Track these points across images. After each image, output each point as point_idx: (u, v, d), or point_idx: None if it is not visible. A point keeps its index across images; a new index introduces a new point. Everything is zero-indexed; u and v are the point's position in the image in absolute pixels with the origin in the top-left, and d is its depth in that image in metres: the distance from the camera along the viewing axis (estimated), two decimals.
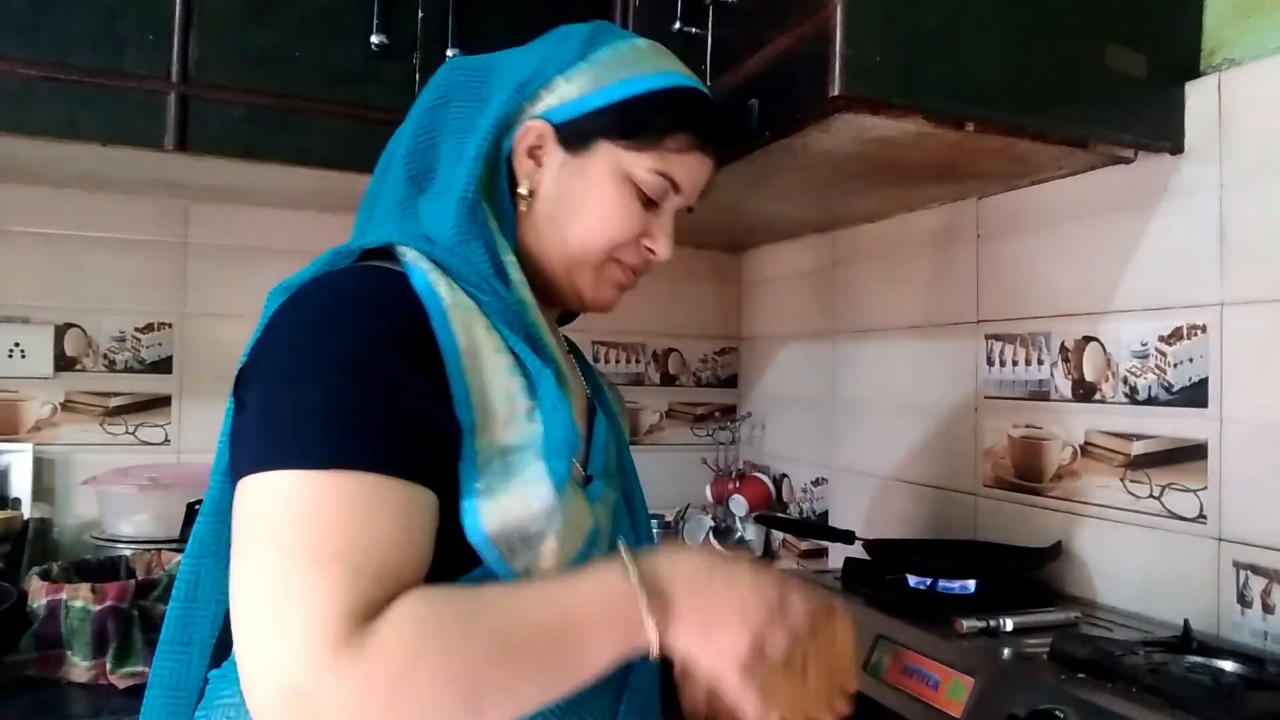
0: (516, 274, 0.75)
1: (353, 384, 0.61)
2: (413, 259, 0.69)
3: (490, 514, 0.64)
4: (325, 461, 0.59)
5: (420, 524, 0.62)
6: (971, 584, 1.13)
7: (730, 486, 1.90)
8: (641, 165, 0.79)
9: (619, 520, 0.80)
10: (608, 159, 0.79)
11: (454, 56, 1.35)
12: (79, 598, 1.19)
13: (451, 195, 0.74)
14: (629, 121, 0.78)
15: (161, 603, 1.18)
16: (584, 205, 0.79)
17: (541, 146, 0.79)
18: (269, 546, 0.57)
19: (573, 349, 0.95)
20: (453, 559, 0.64)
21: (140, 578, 1.30)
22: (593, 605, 0.62)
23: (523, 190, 0.79)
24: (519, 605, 0.61)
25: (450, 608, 0.59)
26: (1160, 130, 1.10)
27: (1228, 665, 0.87)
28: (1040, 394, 1.29)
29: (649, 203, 0.81)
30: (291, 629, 0.54)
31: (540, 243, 0.80)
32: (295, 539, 0.57)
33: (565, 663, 0.61)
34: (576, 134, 0.78)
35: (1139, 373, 1.14)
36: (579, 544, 0.69)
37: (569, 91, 0.79)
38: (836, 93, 0.94)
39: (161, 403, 1.69)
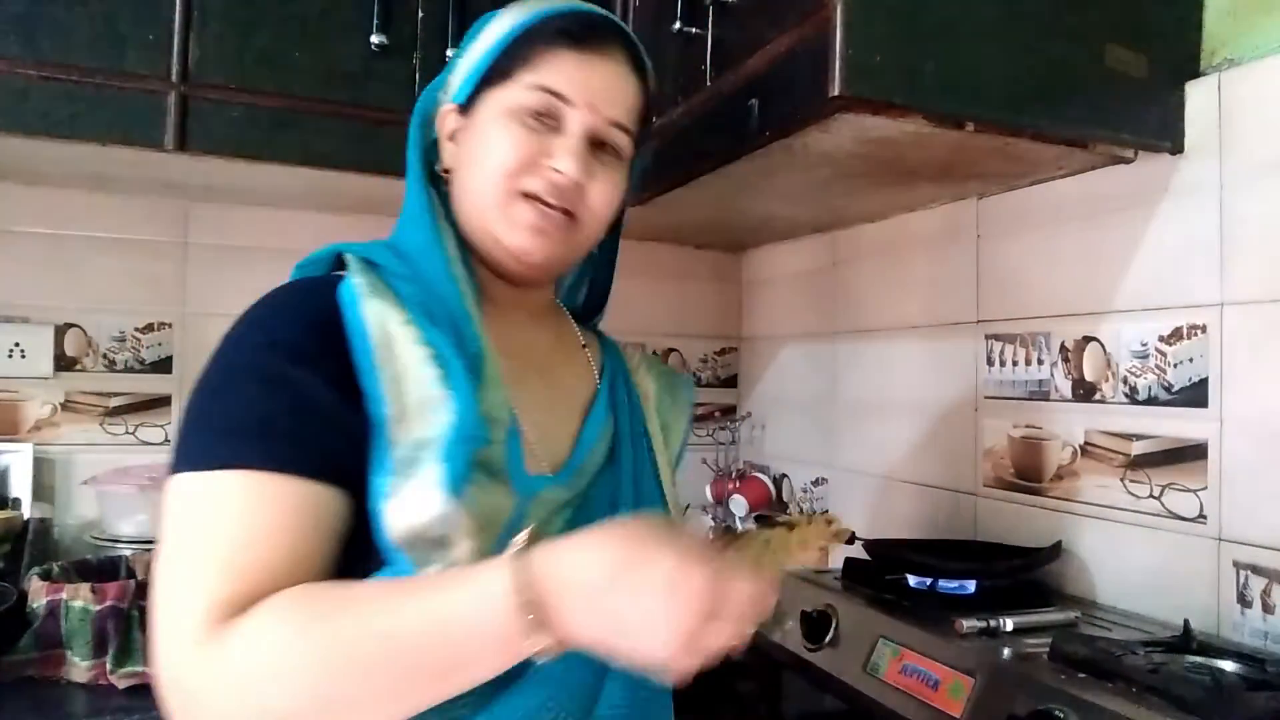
0: (456, 267, 0.76)
1: (248, 389, 0.65)
2: (353, 265, 0.72)
3: (394, 516, 0.64)
4: (214, 462, 0.63)
5: (309, 522, 0.63)
6: (971, 584, 1.13)
7: (730, 486, 1.90)
8: (517, 89, 0.77)
9: (585, 520, 0.73)
10: (490, 104, 0.78)
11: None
12: (79, 598, 1.19)
13: (406, 199, 0.80)
14: (499, 64, 0.78)
15: None
16: (477, 153, 0.78)
17: (453, 127, 0.81)
18: (166, 545, 0.63)
19: (607, 343, 0.95)
20: (370, 560, 0.64)
21: (140, 578, 1.30)
22: (467, 616, 0.58)
23: (442, 171, 0.82)
24: (387, 613, 0.58)
25: (313, 610, 0.58)
26: (1160, 130, 1.10)
27: (1228, 665, 0.87)
28: (1040, 394, 1.29)
29: (544, 126, 0.77)
30: (167, 623, 0.60)
31: (464, 212, 0.80)
32: (180, 537, 0.62)
33: (431, 675, 0.59)
34: (469, 101, 0.80)
35: (1139, 373, 1.14)
36: (491, 544, 0.66)
37: (463, 69, 0.81)
38: (836, 93, 0.94)
39: (161, 403, 1.69)
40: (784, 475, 1.93)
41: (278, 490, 0.62)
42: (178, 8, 1.30)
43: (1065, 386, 1.25)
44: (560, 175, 0.76)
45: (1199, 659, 0.89)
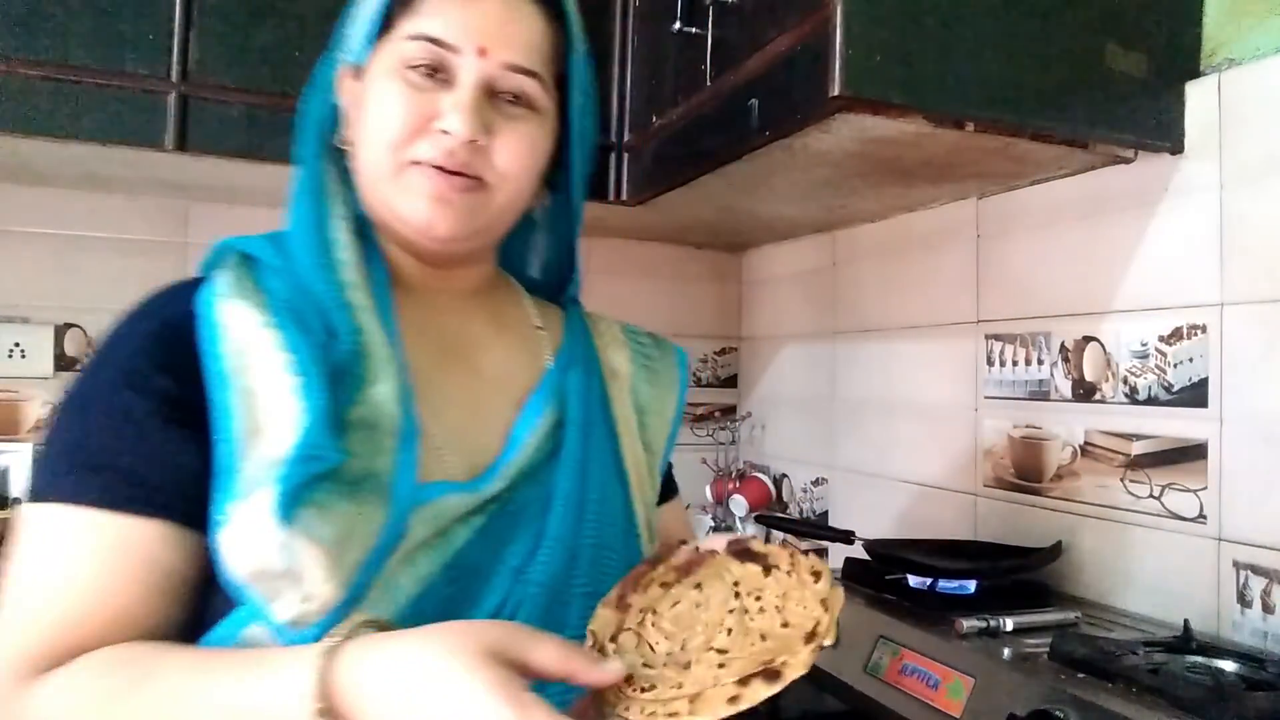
0: (341, 251, 0.68)
1: (73, 417, 0.61)
2: (226, 262, 0.67)
3: (228, 548, 0.57)
4: (39, 496, 0.59)
5: (133, 563, 0.57)
6: (971, 584, 1.13)
7: (730, 486, 1.90)
8: (400, 41, 0.68)
9: (504, 529, 0.66)
10: (377, 62, 0.69)
11: None
12: None
13: (291, 181, 0.72)
14: (383, 18, 0.70)
15: None
16: (365, 121, 0.69)
17: (351, 91, 0.72)
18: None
19: (573, 319, 0.83)
20: (223, 598, 0.58)
21: None
22: (263, 712, 0.52)
23: (344, 144, 0.72)
24: (187, 697, 0.53)
25: (113, 686, 0.54)
26: (1160, 130, 1.10)
27: (1228, 665, 0.87)
28: (1040, 394, 1.29)
29: (432, 82, 0.67)
30: None
31: (363, 189, 0.71)
32: (7, 575, 0.58)
33: None
34: (359, 62, 0.71)
35: (1139, 373, 1.14)
36: (355, 571, 0.58)
37: (353, 35, 0.72)
38: (836, 93, 0.94)
39: None
40: (784, 475, 1.93)
41: (98, 529, 0.57)
42: (177, 8, 1.30)
43: (1065, 386, 1.25)
44: (449, 137, 0.66)
45: (1199, 659, 0.89)
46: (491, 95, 0.68)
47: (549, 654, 0.50)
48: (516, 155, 0.69)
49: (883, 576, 1.20)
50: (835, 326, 1.77)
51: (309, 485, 0.58)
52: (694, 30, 1.24)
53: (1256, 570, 1.00)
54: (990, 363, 1.38)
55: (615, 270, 2.00)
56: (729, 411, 2.12)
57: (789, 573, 0.57)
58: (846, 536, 1.34)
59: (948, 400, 1.46)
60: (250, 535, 0.57)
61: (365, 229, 0.72)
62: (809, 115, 1.01)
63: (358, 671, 0.50)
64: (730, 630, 0.54)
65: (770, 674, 0.50)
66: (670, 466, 0.84)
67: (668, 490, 0.83)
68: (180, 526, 0.58)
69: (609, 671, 0.51)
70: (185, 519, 0.58)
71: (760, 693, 0.49)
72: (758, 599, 0.56)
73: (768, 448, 2.01)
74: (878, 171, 1.27)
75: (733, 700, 0.49)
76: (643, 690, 0.51)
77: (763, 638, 0.53)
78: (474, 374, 0.73)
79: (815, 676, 1.13)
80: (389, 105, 0.67)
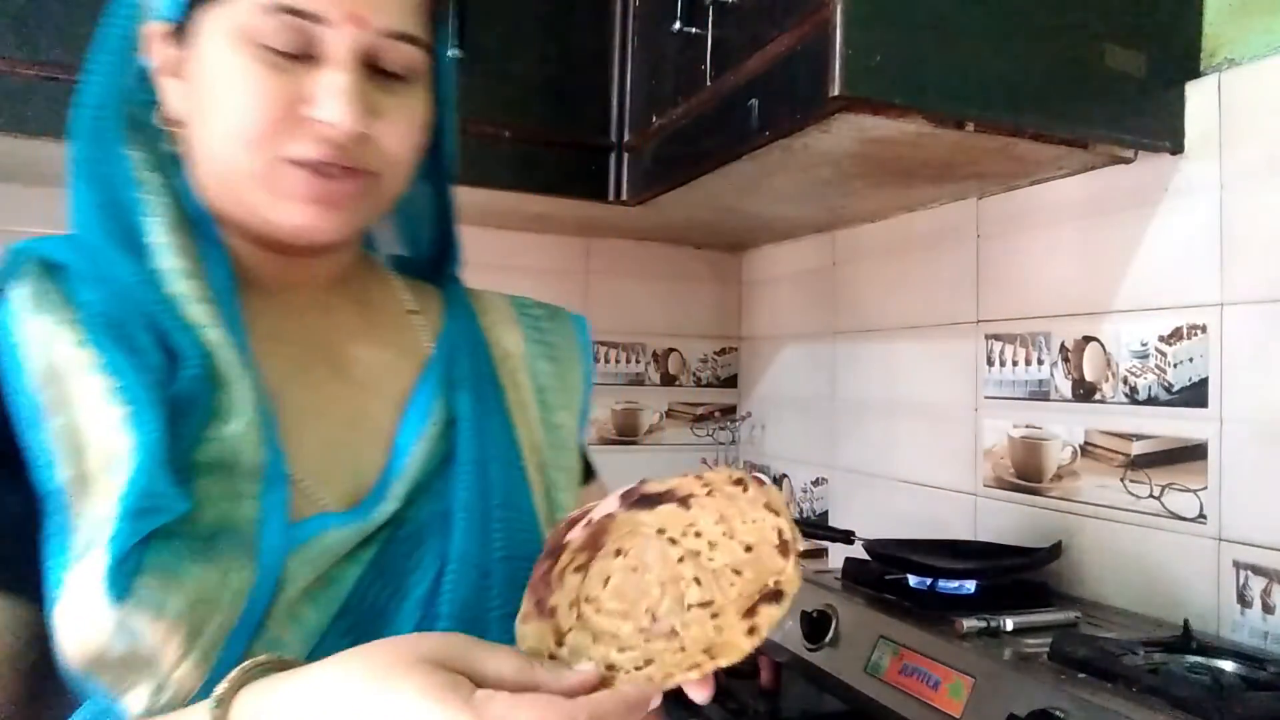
0: (169, 259, 0.56)
1: None
2: (24, 270, 0.55)
3: (61, 630, 0.47)
4: None
5: None
6: (971, 584, 1.13)
7: None
8: (246, 9, 0.54)
9: (401, 556, 0.57)
10: (213, 28, 0.55)
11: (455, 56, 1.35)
12: None
13: (71, 166, 0.59)
14: None
15: None
16: (207, 105, 0.56)
17: (169, 58, 0.58)
18: None
19: (453, 298, 0.71)
20: (71, 687, 0.49)
21: None
22: None
23: (166, 122, 0.59)
24: None
25: None
26: (1160, 130, 1.10)
27: (1228, 665, 0.87)
28: (1040, 394, 1.29)
29: (294, 60, 0.55)
30: None
31: (206, 183, 0.58)
32: None
33: None
34: (183, 19, 0.57)
35: (1139, 373, 1.14)
36: (219, 646, 0.48)
37: None
38: (836, 93, 0.94)
39: None
40: (784, 475, 1.93)
41: None
42: None
43: (1065, 386, 1.25)
44: (329, 128, 0.55)
45: (1199, 659, 0.89)
46: (370, 69, 0.57)
47: (506, 664, 0.42)
48: (403, 138, 0.59)
49: (883, 576, 1.20)
50: (835, 326, 1.77)
51: (149, 545, 0.47)
52: (694, 30, 1.24)
53: (1256, 570, 1.00)
54: (990, 363, 1.38)
55: (615, 270, 2.00)
56: (729, 411, 2.12)
57: (709, 494, 0.51)
58: (846, 536, 1.34)
59: (948, 400, 1.46)
60: (80, 613, 0.46)
61: (197, 220, 0.59)
62: (809, 115, 1.01)
63: (262, 716, 0.42)
64: (698, 580, 0.48)
65: (771, 596, 0.47)
66: (585, 447, 0.75)
67: (586, 473, 0.74)
68: (10, 597, 0.48)
69: (581, 675, 0.44)
70: (14, 588, 0.48)
71: (774, 616, 0.46)
72: (698, 536, 0.49)
73: (768, 448, 2.00)
74: (878, 171, 1.27)
75: (751, 632, 0.45)
76: (639, 669, 0.46)
77: (736, 572, 0.48)
78: (344, 380, 0.62)
79: (815, 676, 1.13)
80: (242, 90, 0.54)
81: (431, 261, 0.74)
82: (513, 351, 0.71)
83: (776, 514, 0.49)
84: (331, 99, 0.55)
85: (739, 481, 0.51)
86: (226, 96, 0.55)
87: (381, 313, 0.68)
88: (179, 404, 0.51)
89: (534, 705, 0.39)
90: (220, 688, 0.43)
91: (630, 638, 0.47)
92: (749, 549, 0.49)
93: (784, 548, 0.48)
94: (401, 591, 0.56)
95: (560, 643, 0.49)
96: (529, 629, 0.49)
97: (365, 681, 0.40)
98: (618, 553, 0.50)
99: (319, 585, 0.53)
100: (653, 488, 0.52)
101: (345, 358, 0.64)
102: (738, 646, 0.45)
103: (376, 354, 0.65)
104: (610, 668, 0.46)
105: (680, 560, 0.49)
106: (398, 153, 0.59)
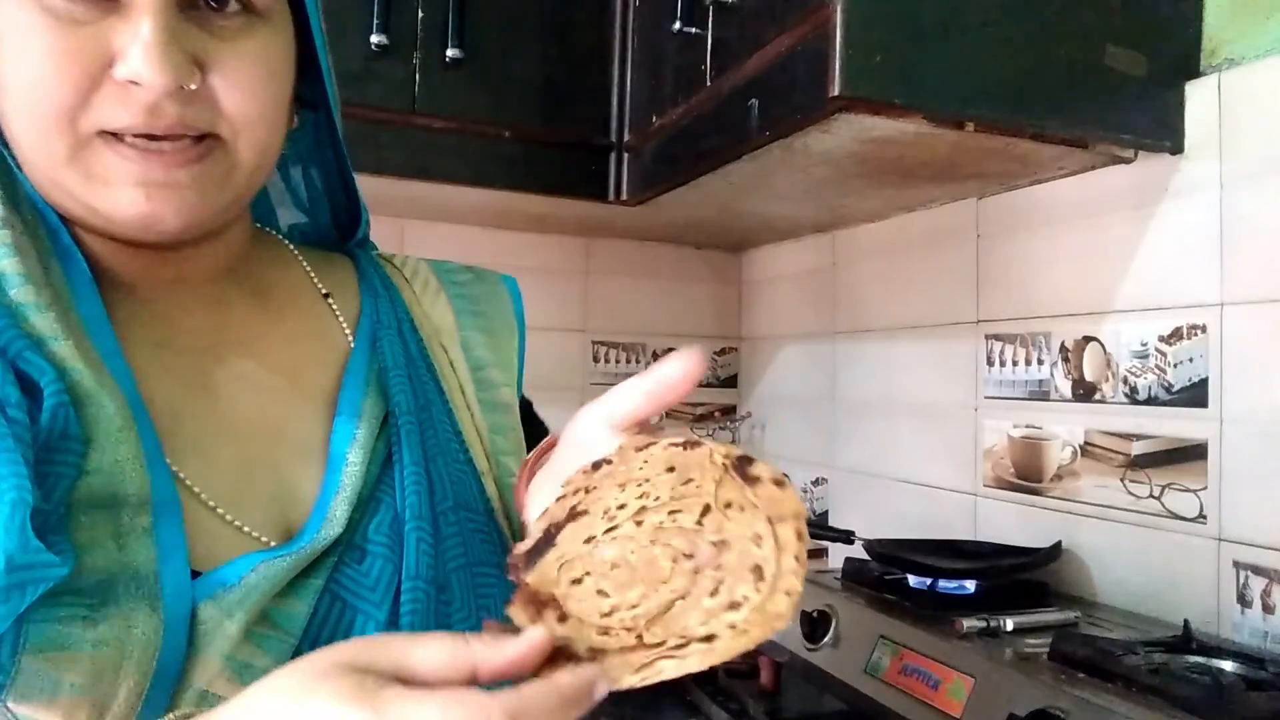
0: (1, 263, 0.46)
1: None
2: None
3: None
4: None
5: None
6: (971, 584, 1.13)
7: None
8: None
9: (373, 572, 0.51)
10: None
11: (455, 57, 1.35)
12: None
13: None
14: None
15: None
16: (4, 75, 0.46)
17: None
18: None
19: (368, 273, 0.62)
20: None
21: None
22: None
23: None
24: None
25: None
26: (1160, 130, 1.10)
27: (1228, 665, 0.87)
28: (1040, 394, 1.29)
29: (88, 5, 0.44)
30: None
31: (27, 170, 0.49)
32: None
33: None
34: None
35: (1139, 373, 1.14)
36: (134, 714, 0.42)
37: None
38: (836, 93, 0.94)
39: None
40: (784, 475, 1.92)
41: None
42: None
43: (1065, 386, 1.25)
44: (141, 89, 0.44)
45: (1199, 659, 0.89)
46: (190, 7, 0.46)
47: (435, 652, 0.36)
48: (252, 88, 0.48)
49: (883, 576, 1.20)
50: (835, 326, 1.77)
51: (26, 619, 0.39)
52: (694, 30, 1.24)
53: (1256, 570, 1.00)
54: (990, 363, 1.38)
55: (615, 270, 2.00)
56: (729, 411, 2.12)
57: (640, 452, 0.45)
58: (846, 536, 1.34)
59: (948, 400, 1.46)
60: None
61: (41, 215, 0.49)
62: (809, 115, 1.01)
63: None
64: (720, 536, 0.42)
65: (792, 535, 0.41)
66: (530, 404, 0.68)
67: (538, 434, 0.64)
68: None
69: (527, 643, 0.38)
70: None
71: (800, 549, 0.41)
72: (661, 498, 0.44)
73: (768, 448, 2.00)
74: (878, 171, 1.27)
75: (796, 569, 0.40)
76: (680, 647, 0.39)
77: (744, 515, 0.42)
78: (253, 386, 0.53)
79: (815, 676, 1.13)
80: (33, 54, 0.44)
81: (336, 227, 0.65)
82: (442, 326, 0.63)
83: (721, 454, 0.44)
84: (140, 50, 0.43)
85: (751, 476, 0.44)
86: (17, 65, 0.44)
87: (287, 300, 0.59)
88: (50, 441, 0.42)
89: (440, 700, 0.34)
90: None
91: (665, 614, 0.41)
92: (728, 505, 0.43)
93: (758, 479, 0.42)
94: (361, 616, 0.50)
95: (563, 619, 0.43)
96: (513, 611, 0.44)
97: (287, 695, 0.36)
98: (612, 527, 0.44)
99: (264, 627, 0.46)
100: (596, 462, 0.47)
101: (251, 360, 0.54)
102: (788, 587, 0.39)
103: (287, 350, 0.56)
104: (593, 650, 0.40)
105: (673, 520, 0.43)
106: (242, 109, 0.48)
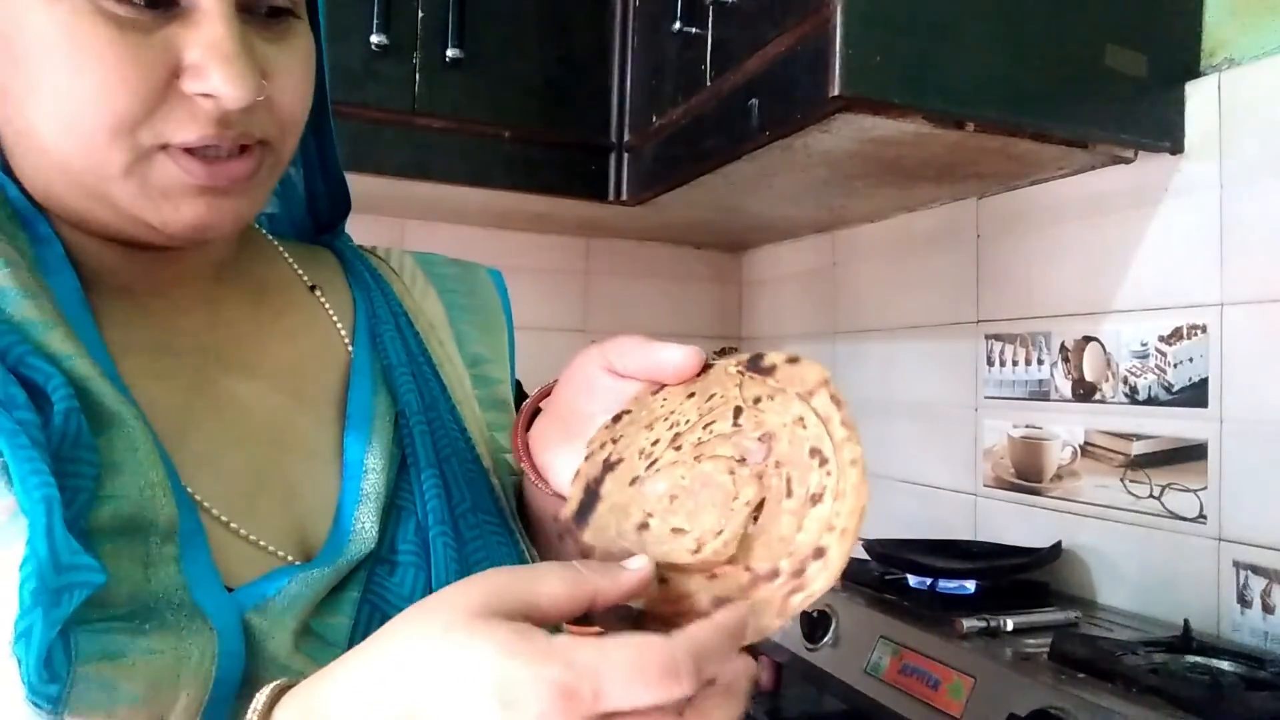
0: None
1: None
2: None
3: None
4: None
5: None
6: (971, 584, 1.13)
7: None
8: None
9: (406, 580, 0.50)
10: None
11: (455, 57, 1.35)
12: None
13: None
14: None
15: None
16: (34, 78, 0.42)
17: None
18: None
19: (353, 266, 0.60)
20: None
21: None
22: None
23: None
24: None
25: None
26: (1160, 130, 1.10)
27: (1228, 665, 0.87)
28: (1040, 394, 1.29)
29: (150, 10, 0.42)
30: None
31: (28, 170, 0.46)
32: None
33: None
34: None
35: (1139, 373, 1.14)
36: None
37: None
38: (836, 93, 0.94)
39: None
40: None
41: None
42: None
43: (1065, 386, 1.25)
44: (214, 102, 0.43)
45: (1199, 659, 0.89)
46: (244, 9, 0.45)
47: (555, 585, 0.35)
48: (302, 91, 0.48)
49: (883, 576, 1.20)
50: (835, 326, 1.77)
51: (70, 632, 0.36)
52: (694, 30, 1.24)
53: (1256, 570, 1.00)
54: (990, 363, 1.38)
55: (615, 270, 2.00)
56: None
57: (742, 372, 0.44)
58: None
59: (948, 400, 1.46)
60: None
61: (24, 221, 0.46)
62: (809, 115, 1.01)
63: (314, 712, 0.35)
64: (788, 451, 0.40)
65: (829, 403, 0.41)
66: (520, 384, 0.67)
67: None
68: None
69: (639, 573, 0.37)
70: None
71: (843, 413, 0.41)
72: (691, 420, 0.43)
73: None
74: (878, 171, 1.27)
75: (849, 435, 0.41)
76: (798, 575, 0.37)
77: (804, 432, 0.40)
78: (255, 389, 0.51)
79: (815, 676, 1.13)
80: (91, 63, 0.41)
81: (311, 218, 0.62)
82: (435, 320, 0.61)
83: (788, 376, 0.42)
84: (216, 65, 0.42)
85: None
86: (62, 70, 0.41)
87: (279, 295, 0.56)
88: (63, 449, 0.39)
89: (627, 649, 0.32)
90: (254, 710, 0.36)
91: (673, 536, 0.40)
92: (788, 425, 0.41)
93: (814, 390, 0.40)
94: None
95: (662, 580, 0.41)
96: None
97: (435, 647, 0.33)
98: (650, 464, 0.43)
99: (309, 639, 0.45)
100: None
101: (251, 359, 0.52)
102: (855, 486, 0.39)
103: (284, 348, 0.54)
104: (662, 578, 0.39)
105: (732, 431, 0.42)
106: (294, 111, 0.48)
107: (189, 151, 0.44)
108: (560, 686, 0.31)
